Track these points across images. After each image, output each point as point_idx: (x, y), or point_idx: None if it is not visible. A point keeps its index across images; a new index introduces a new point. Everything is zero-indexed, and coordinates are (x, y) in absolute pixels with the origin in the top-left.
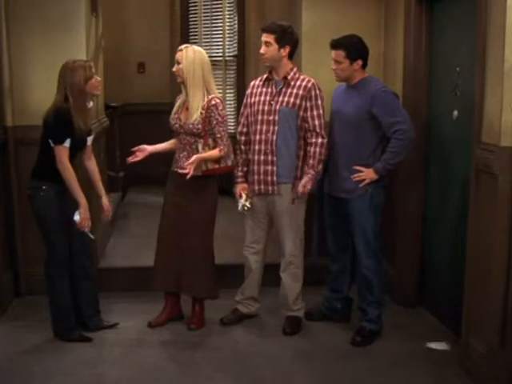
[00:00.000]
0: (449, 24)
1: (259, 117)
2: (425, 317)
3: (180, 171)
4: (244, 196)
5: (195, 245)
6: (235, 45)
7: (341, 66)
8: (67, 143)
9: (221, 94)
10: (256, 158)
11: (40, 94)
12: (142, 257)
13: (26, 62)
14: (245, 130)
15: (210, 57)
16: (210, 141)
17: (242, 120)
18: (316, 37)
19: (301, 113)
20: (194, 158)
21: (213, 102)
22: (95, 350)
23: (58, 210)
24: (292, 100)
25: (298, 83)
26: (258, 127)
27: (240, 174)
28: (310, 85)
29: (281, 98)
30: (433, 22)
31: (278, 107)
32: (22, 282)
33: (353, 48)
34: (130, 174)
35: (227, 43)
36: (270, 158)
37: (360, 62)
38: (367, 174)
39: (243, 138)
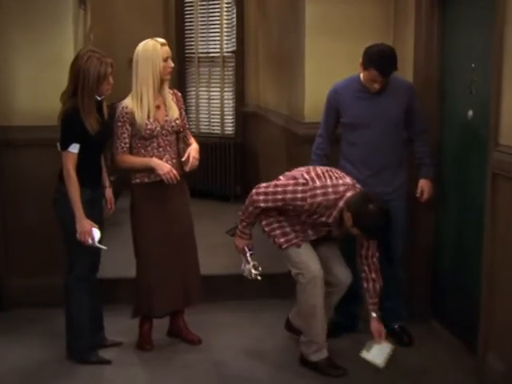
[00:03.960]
0: (463, 16)
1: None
2: (438, 331)
3: (189, 167)
4: (252, 263)
5: (193, 248)
6: (234, 40)
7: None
8: (74, 148)
9: (218, 93)
10: None
11: (25, 93)
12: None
13: (8, 58)
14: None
15: (207, 53)
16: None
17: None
18: (320, 30)
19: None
20: (194, 150)
21: (179, 94)
22: (87, 367)
23: (93, 219)
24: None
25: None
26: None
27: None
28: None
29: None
30: (446, 15)
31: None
32: (6, 294)
33: (396, 66)
34: (122, 177)
35: (225, 38)
36: None
37: None
38: (429, 188)
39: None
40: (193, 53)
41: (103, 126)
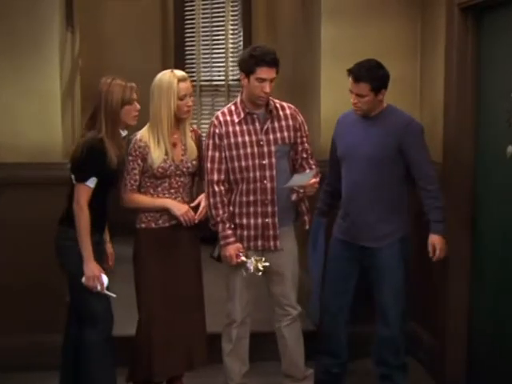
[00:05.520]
0: (501, 40)
1: (250, 162)
2: None
3: (197, 216)
4: (252, 258)
5: (201, 305)
6: None
7: (364, 99)
8: (91, 182)
9: None
10: (251, 209)
11: (4, 126)
12: (132, 324)
13: None
14: (222, 177)
15: (210, 81)
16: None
17: (216, 166)
18: (338, 55)
19: (291, 145)
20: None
21: (199, 132)
22: None
23: (99, 265)
24: (286, 134)
25: (282, 113)
26: (251, 174)
27: (229, 232)
28: (293, 111)
29: (272, 136)
30: (481, 38)
31: (272, 148)
32: None
33: (377, 79)
34: (114, 222)
35: (231, 64)
36: (269, 209)
37: (384, 92)
38: (441, 245)
39: (222, 187)
40: (194, 81)
41: (120, 163)
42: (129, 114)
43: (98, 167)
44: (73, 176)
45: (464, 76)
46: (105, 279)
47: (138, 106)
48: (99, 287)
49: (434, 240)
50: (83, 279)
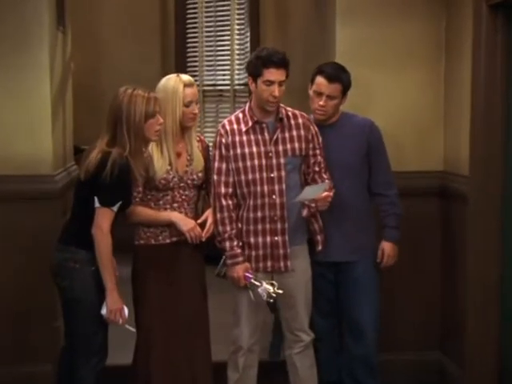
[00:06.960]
0: None
1: (257, 175)
2: None
3: (205, 234)
4: (264, 283)
5: (205, 329)
6: None
7: (333, 101)
8: (117, 207)
9: None
10: (259, 227)
11: None
12: (129, 351)
13: None
14: (230, 190)
15: (214, 85)
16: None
17: (223, 178)
18: (354, 58)
19: (302, 158)
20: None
21: (206, 142)
22: None
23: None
24: (297, 145)
25: (293, 122)
26: (259, 188)
27: (238, 251)
28: (306, 121)
29: (281, 147)
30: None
31: (282, 160)
32: None
33: (347, 80)
34: None
35: (236, 67)
36: (279, 226)
37: (346, 98)
38: (392, 252)
39: (230, 202)
40: (197, 85)
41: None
42: (152, 129)
43: (127, 191)
44: (96, 198)
45: (493, 80)
46: (126, 312)
47: (161, 120)
48: (121, 321)
49: (386, 246)
50: (104, 311)
